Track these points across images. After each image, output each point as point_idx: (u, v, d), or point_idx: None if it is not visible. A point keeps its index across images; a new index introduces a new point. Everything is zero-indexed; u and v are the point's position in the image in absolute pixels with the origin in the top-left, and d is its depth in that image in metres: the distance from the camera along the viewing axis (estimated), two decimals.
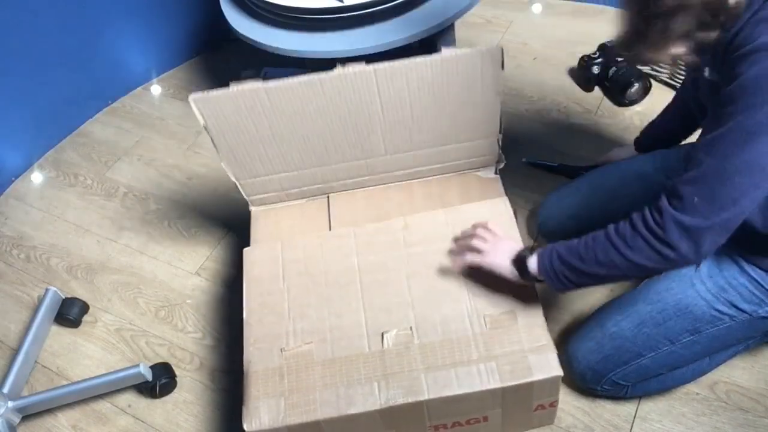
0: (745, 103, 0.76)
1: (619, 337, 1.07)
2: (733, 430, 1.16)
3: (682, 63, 0.82)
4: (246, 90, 1.06)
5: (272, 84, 1.06)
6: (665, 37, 0.77)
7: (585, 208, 1.31)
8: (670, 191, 0.83)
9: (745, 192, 0.79)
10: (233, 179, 1.21)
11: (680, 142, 1.29)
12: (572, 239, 0.95)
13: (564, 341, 1.24)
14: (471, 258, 1.05)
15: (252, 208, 1.28)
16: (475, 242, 1.05)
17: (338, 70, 1.06)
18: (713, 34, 0.77)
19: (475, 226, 1.10)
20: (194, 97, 1.06)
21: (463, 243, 1.09)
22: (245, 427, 0.97)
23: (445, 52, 1.05)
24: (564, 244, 0.96)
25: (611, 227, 0.90)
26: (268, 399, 0.99)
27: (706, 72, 0.88)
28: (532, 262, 0.98)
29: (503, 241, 1.05)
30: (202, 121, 1.10)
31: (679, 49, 0.78)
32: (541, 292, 1.06)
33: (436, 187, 1.25)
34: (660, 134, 1.32)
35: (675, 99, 1.28)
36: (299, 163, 1.20)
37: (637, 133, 1.36)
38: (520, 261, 1.00)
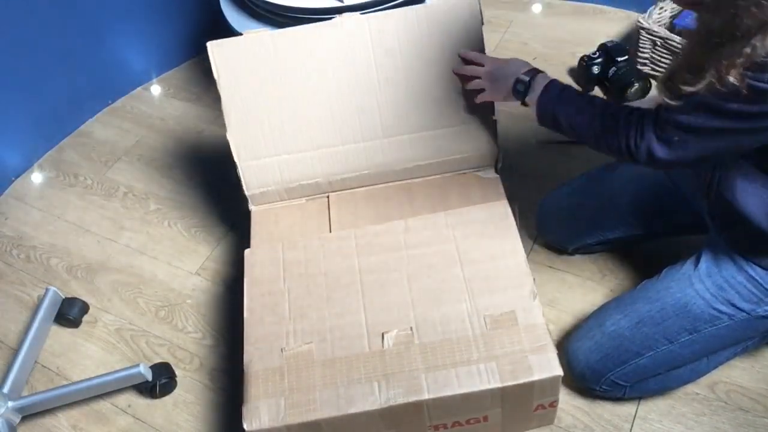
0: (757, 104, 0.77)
1: (618, 337, 1.08)
2: (734, 430, 1.16)
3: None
4: (255, 35, 1.19)
5: (278, 30, 1.20)
6: (741, 60, 0.74)
7: (583, 208, 1.31)
8: (657, 121, 0.91)
9: (714, 151, 0.88)
10: (235, 158, 1.22)
11: None
12: (572, 94, 1.05)
13: (564, 341, 1.24)
14: (481, 97, 1.18)
15: (252, 208, 1.28)
16: (477, 83, 1.18)
17: (336, 19, 1.20)
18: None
19: (471, 68, 1.18)
20: (212, 44, 1.20)
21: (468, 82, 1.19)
22: (245, 426, 0.97)
23: (428, 1, 1.17)
24: (564, 105, 1.04)
25: (606, 115, 0.98)
26: (268, 399, 0.99)
27: None
28: (532, 98, 1.08)
29: (500, 73, 1.13)
30: (216, 73, 1.19)
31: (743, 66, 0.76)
32: (541, 292, 1.06)
33: (436, 187, 1.25)
34: None
35: None
36: (298, 143, 1.22)
37: None
38: (519, 87, 1.10)
